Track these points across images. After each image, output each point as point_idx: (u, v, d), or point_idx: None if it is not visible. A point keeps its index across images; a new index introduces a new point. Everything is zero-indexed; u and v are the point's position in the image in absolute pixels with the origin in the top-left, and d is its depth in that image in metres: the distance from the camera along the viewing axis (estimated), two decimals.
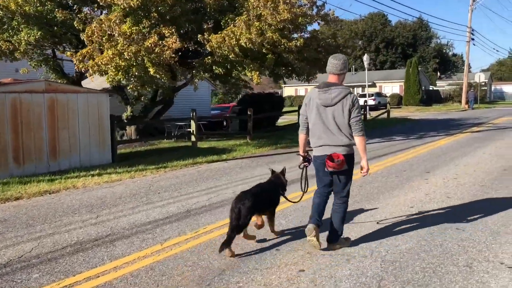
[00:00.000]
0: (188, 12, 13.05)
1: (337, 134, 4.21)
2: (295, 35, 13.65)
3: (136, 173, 9.29)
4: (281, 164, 10.13)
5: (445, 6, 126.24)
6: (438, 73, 69.78)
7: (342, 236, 4.52)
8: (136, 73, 10.88)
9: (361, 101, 39.95)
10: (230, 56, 11.70)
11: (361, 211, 5.88)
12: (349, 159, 4.27)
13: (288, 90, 60.70)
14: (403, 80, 47.55)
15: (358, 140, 4.22)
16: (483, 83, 51.43)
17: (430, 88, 55.88)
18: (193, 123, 13.33)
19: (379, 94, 46.15)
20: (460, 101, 42.53)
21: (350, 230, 5.01)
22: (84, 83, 18.24)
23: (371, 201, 6.41)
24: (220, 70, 13.02)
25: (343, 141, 4.21)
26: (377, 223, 5.32)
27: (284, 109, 30.30)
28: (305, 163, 4.63)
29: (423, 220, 5.38)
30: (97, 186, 8.17)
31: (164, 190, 7.57)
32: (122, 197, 7.13)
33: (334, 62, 4.27)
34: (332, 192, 4.47)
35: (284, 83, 23.14)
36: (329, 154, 4.19)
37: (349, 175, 4.37)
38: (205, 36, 11.81)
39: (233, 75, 13.34)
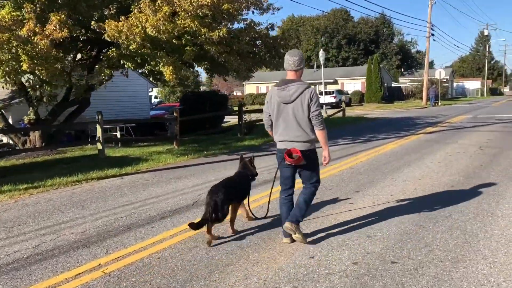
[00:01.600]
0: None
1: (296, 130, 4.31)
2: (223, 26, 11.71)
3: None
4: (187, 179, 8.24)
5: (407, 2, 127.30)
6: (402, 69, 69.46)
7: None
8: (7, 69, 8.73)
9: (324, 99, 38.51)
10: (131, 48, 9.69)
11: (243, 256, 4.02)
12: (310, 154, 4.38)
13: (249, 88, 58.88)
14: (365, 77, 46.48)
15: (319, 133, 4.34)
16: (444, 80, 50.99)
17: (393, 85, 55.17)
18: (98, 128, 11.21)
19: (340, 92, 44.84)
20: (421, 98, 41.74)
21: None
22: None
23: (269, 236, 4.57)
24: (130, 65, 10.99)
25: (303, 137, 4.30)
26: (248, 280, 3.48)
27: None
28: None
29: (317, 282, 3.56)
30: None
31: None
32: None
33: (290, 58, 4.34)
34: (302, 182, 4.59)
35: (225, 80, 21.15)
36: (288, 148, 4.30)
37: (313, 168, 4.50)
38: (101, 24, 9.73)
39: (146, 70, 11.28)
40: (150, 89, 25.09)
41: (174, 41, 10.11)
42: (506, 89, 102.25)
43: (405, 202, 6.04)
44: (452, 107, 34.81)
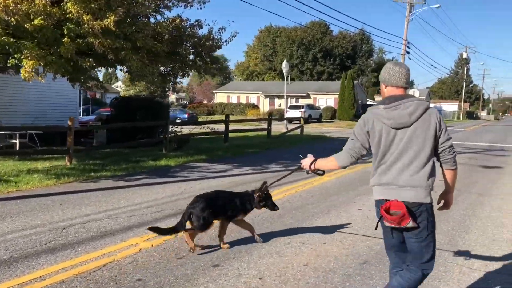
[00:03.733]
0: None
1: (408, 169, 2.84)
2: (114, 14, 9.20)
3: None
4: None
5: (388, 20, 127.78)
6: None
7: None
8: None
9: (292, 113, 36.34)
10: None
11: None
12: (425, 211, 2.83)
13: (220, 97, 56.52)
14: (338, 93, 44.60)
15: (452, 174, 3.00)
16: None
17: (368, 103, 53.47)
18: None
19: (310, 106, 42.72)
20: None
21: None
22: None
23: None
24: None
25: (417, 181, 2.81)
26: None
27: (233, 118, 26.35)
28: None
29: None
30: None
31: None
32: None
33: (400, 70, 2.97)
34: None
35: (170, 88, 18.99)
36: (390, 199, 2.81)
37: (427, 237, 2.85)
38: None
39: (9, 64, 8.70)
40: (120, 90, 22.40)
41: (28, 27, 7.58)
42: (483, 113, 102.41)
43: None
44: None
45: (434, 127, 2.89)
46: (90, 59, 9.05)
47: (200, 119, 36.17)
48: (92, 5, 8.42)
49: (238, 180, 9.16)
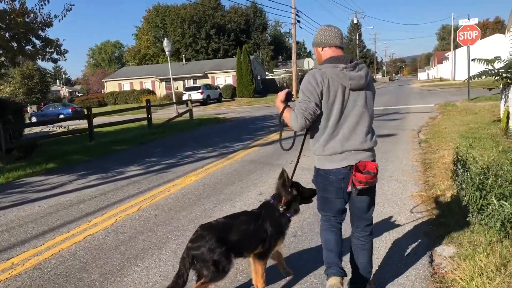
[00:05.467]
0: None
1: (366, 133, 2.84)
2: None
3: None
4: None
5: None
6: (280, 60, 67.55)
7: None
8: None
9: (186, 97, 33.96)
10: None
11: None
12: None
13: (110, 85, 52.13)
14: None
15: None
16: None
17: (267, 77, 52.49)
18: None
19: (208, 86, 40.43)
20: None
21: None
22: None
23: None
24: None
25: (373, 143, 2.89)
26: None
27: (103, 110, 23.25)
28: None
29: None
30: None
31: None
32: None
33: (334, 30, 2.93)
34: (351, 221, 3.05)
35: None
36: (355, 163, 2.76)
37: (375, 192, 3.01)
38: None
39: None
40: None
41: None
42: (378, 76, 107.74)
43: None
44: None
45: (374, 92, 2.89)
46: None
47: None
48: None
49: (67, 201, 6.77)
